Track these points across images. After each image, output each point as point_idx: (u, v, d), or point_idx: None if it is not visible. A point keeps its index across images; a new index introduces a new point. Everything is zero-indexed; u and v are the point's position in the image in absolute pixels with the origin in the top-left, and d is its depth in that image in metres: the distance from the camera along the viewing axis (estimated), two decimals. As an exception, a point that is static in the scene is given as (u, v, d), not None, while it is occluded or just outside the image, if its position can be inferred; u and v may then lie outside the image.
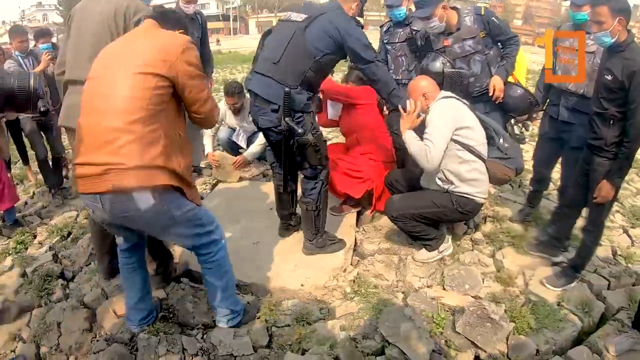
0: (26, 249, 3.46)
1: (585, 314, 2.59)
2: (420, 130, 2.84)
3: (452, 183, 2.83)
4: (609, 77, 2.40)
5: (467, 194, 2.83)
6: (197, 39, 4.20)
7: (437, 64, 3.16)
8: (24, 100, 1.93)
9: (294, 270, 2.87)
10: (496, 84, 3.18)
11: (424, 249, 3.05)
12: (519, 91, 3.24)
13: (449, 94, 2.91)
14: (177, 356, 2.19)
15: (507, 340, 2.30)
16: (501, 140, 2.86)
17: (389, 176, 3.35)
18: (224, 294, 2.29)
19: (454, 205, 2.84)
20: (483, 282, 2.81)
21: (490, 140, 2.89)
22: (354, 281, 2.82)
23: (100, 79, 1.88)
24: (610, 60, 2.43)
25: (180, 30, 2.09)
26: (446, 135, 2.72)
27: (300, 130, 2.60)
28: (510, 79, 3.30)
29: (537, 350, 2.30)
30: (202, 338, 2.33)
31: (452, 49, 3.23)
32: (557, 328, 2.44)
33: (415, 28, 3.52)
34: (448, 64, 3.15)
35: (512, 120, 3.53)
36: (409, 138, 2.81)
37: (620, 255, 3.25)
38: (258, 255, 3.05)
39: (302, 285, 2.74)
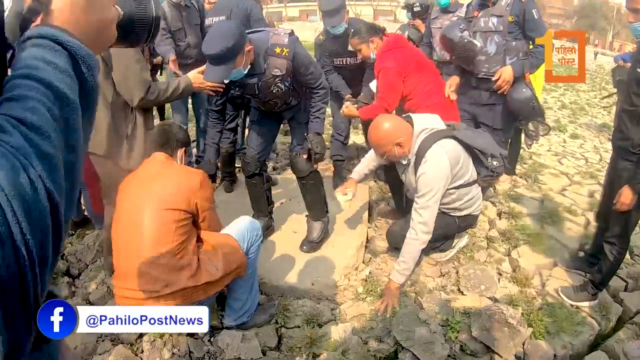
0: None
1: (603, 317, 2.53)
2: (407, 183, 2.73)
3: (454, 210, 2.73)
4: None
5: (468, 214, 2.76)
6: (196, 27, 4.14)
7: (456, 31, 3.10)
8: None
9: (304, 269, 2.78)
10: (504, 73, 3.00)
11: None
12: (524, 91, 3.04)
13: (426, 126, 2.60)
14: (182, 359, 2.14)
15: (523, 345, 2.22)
16: (489, 160, 2.65)
17: (391, 235, 2.92)
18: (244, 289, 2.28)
19: (457, 222, 2.77)
20: (499, 282, 2.73)
21: (478, 161, 2.71)
22: (365, 280, 2.74)
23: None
24: None
25: (184, 148, 2.26)
26: (437, 204, 2.52)
27: None
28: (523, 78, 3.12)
29: (555, 355, 2.23)
30: (209, 341, 2.26)
31: (478, 21, 3.11)
32: (574, 332, 2.37)
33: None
34: (466, 33, 3.07)
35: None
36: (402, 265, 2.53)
37: (637, 255, 3.15)
38: (266, 253, 2.94)
39: (312, 284, 2.65)
